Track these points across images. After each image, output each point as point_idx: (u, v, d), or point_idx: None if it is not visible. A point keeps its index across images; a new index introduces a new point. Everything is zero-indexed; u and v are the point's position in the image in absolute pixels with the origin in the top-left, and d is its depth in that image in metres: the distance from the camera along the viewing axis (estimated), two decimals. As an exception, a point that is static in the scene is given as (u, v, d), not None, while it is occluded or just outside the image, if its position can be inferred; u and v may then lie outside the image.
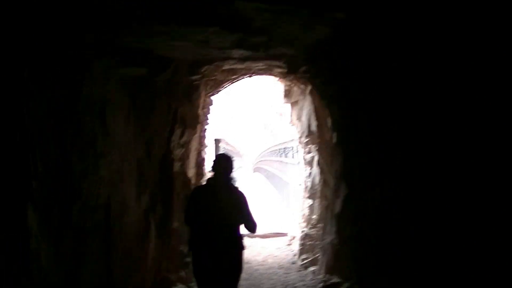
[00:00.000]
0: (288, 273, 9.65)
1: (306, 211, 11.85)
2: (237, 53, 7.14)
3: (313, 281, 8.46)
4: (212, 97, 12.36)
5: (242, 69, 9.07)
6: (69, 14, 4.62)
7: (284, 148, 19.85)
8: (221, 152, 7.44)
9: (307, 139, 11.77)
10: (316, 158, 10.99)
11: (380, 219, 5.33)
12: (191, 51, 6.84)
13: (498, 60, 3.66)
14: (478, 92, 3.84)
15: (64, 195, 4.75)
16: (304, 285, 8.36)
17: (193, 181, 10.76)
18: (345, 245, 6.94)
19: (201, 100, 10.49)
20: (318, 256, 9.56)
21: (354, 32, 5.68)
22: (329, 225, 8.39)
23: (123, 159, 6.34)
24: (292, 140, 17.23)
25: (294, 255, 11.14)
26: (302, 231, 11.23)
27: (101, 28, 5.16)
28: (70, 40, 4.82)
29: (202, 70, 8.31)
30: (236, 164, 6.40)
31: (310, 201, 11.54)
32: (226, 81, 10.75)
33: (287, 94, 13.21)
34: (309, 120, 11.14)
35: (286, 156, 19.26)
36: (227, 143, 18.34)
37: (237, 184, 5.74)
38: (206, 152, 12.78)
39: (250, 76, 10.68)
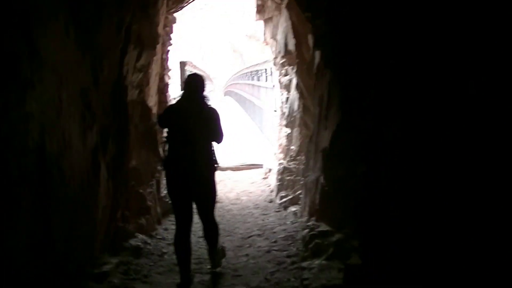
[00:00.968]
0: (266, 214, 8.66)
1: (284, 141, 10.84)
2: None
3: (295, 225, 7.47)
4: (174, 15, 11.06)
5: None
6: None
7: (257, 71, 18.65)
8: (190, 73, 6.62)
9: (283, 60, 10.64)
10: (294, 81, 9.91)
11: (390, 158, 4.26)
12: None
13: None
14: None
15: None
16: (284, 230, 7.36)
17: (154, 110, 9.59)
18: (337, 188, 5.92)
19: (161, 17, 9.18)
20: (299, 194, 8.59)
21: None
22: (313, 160, 7.35)
23: (61, 87, 5.12)
24: (265, 61, 16.05)
25: (271, 192, 10.16)
26: (280, 164, 10.24)
27: None
28: None
29: (160, -22, 7.04)
30: (207, 84, 6.15)
31: (287, 130, 10.51)
32: (190, -6, 9.51)
33: (260, 9, 11.93)
34: (285, 38, 9.97)
35: (259, 79, 18.07)
36: (194, 66, 17.06)
37: (210, 102, 5.75)
38: (170, 77, 11.57)
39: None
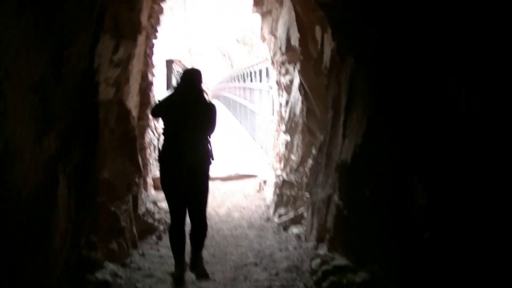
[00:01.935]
0: (262, 235, 7.44)
1: (281, 149, 9.72)
2: None
3: (299, 251, 6.25)
4: (162, 4, 9.91)
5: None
6: None
7: (250, 72, 17.51)
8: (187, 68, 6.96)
9: (283, 58, 9.51)
10: (296, 81, 8.78)
11: (462, 181, 3.08)
12: None
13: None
14: None
15: None
16: (286, 257, 6.10)
17: (135, 112, 8.41)
18: (361, 211, 4.74)
19: (145, 4, 8.00)
20: (302, 213, 7.44)
21: None
22: (323, 174, 6.22)
23: (6, 78, 3.93)
24: (260, 61, 14.94)
25: (268, 208, 8.96)
26: (278, 176, 9.08)
27: None
28: None
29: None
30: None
31: (287, 137, 9.38)
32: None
33: (258, 1, 10.79)
34: (287, 32, 8.84)
35: (251, 81, 16.92)
36: (182, 65, 15.92)
37: (207, 97, 5.74)
38: (155, 76, 10.41)
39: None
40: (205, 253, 6.15)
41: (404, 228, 3.77)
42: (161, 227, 7.35)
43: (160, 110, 5.73)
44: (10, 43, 3.95)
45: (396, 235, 3.95)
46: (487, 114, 2.83)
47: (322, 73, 7.40)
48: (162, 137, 5.74)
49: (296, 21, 8.21)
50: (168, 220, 7.14)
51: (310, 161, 7.97)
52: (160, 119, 5.97)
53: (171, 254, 5.77)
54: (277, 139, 10.32)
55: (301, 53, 8.25)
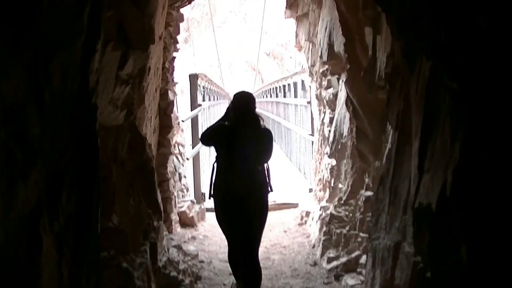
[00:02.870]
0: (310, 287, 6.22)
1: (326, 175, 8.52)
2: None
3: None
4: (181, 10, 8.81)
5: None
6: None
7: (283, 86, 16.38)
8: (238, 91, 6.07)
9: (324, 67, 8.33)
10: (342, 95, 7.58)
11: None
12: None
13: None
14: None
15: None
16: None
17: (153, 139, 7.29)
18: (453, 277, 3.46)
19: (160, 9, 6.87)
20: (358, 257, 6.20)
21: None
22: (387, 214, 4.98)
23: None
24: (295, 73, 13.80)
25: (313, 247, 7.69)
26: (323, 207, 7.85)
27: None
28: None
29: None
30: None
31: (332, 161, 8.17)
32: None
33: (292, 3, 9.63)
34: (329, 37, 7.66)
35: (285, 96, 15.75)
36: (209, 81, 14.86)
37: (262, 123, 5.53)
38: (176, 94, 9.30)
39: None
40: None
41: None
42: (187, 280, 6.10)
43: (212, 138, 5.52)
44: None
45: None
46: None
47: (376, 85, 6.20)
48: (215, 168, 5.46)
49: (340, 22, 7.01)
50: (196, 270, 6.78)
51: (363, 192, 6.74)
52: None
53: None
54: (320, 163, 9.11)
55: (347, 61, 7.04)
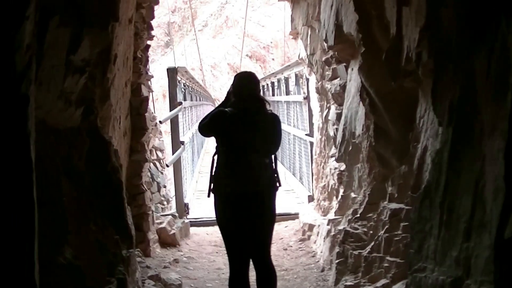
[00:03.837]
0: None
1: (332, 182, 7.30)
2: None
3: None
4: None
5: None
6: None
7: (272, 83, 15.21)
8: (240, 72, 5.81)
9: (328, 54, 7.13)
10: (353, 86, 6.39)
11: None
12: None
13: None
14: None
15: None
16: None
17: (123, 144, 6.03)
18: None
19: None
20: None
21: None
22: (437, 239, 3.79)
23: None
24: (287, 66, 12.63)
25: (321, 270, 6.42)
26: (332, 221, 6.61)
27: None
28: None
29: None
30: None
31: (339, 166, 6.97)
32: None
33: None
34: (336, 16, 6.45)
35: (281, 93, 14.53)
36: (191, 79, 13.68)
37: (268, 107, 5.08)
38: (152, 90, 8.04)
39: None
40: None
41: None
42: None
43: (211, 127, 4.92)
44: None
45: None
46: None
47: (402, 71, 5.00)
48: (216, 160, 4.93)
49: (352, -2, 5.80)
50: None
51: (386, 204, 5.52)
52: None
53: None
54: (323, 168, 7.89)
55: (361, 44, 5.81)
